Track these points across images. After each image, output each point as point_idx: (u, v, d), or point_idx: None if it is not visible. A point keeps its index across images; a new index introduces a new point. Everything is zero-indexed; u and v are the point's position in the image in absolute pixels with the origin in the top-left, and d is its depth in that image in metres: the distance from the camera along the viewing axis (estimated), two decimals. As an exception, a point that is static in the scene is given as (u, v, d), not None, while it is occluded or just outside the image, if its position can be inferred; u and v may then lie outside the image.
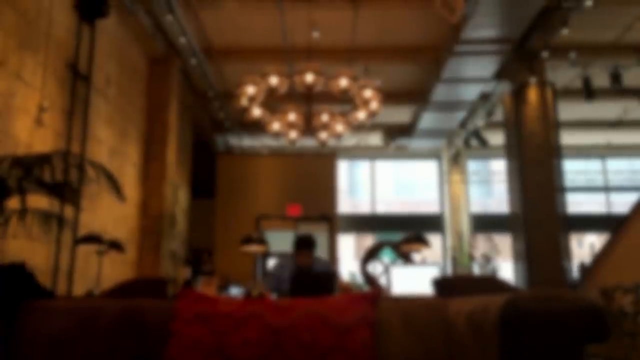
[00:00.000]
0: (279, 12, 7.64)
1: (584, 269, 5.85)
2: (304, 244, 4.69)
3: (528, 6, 6.96)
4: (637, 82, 9.70)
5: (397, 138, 12.33)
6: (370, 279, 3.91)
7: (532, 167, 8.40)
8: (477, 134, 10.96)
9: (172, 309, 1.64)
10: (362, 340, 1.51)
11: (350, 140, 11.56)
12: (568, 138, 10.64)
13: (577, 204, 13.13)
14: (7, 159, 3.45)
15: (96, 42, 6.18)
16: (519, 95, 8.70)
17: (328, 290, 4.00)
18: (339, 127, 7.13)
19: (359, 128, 7.53)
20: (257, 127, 8.09)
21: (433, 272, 4.76)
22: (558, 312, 1.33)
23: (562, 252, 8.00)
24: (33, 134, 4.99)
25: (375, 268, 4.56)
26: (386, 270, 4.70)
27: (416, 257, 5.33)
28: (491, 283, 2.11)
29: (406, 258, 4.34)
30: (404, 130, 12.12)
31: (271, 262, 8.96)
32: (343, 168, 14.09)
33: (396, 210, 14.51)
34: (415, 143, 12.52)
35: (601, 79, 9.05)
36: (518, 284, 8.21)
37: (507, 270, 11.00)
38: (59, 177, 3.57)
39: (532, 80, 8.58)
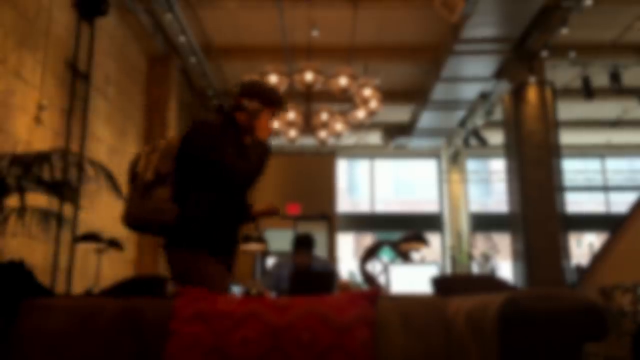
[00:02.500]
0: (279, 11, 7.63)
1: (580, 270, 5.86)
2: (303, 242, 4.70)
3: (527, 5, 6.96)
4: (637, 82, 9.70)
5: (396, 137, 12.33)
6: (369, 278, 3.91)
7: (532, 167, 8.40)
8: (476, 133, 10.97)
9: (171, 308, 1.64)
10: (361, 339, 1.51)
11: (349, 139, 11.55)
12: (567, 137, 10.65)
13: (577, 203, 13.13)
14: (6, 157, 3.46)
15: (95, 40, 6.17)
16: (518, 94, 8.70)
17: (327, 289, 4.01)
18: (339, 126, 7.14)
19: (358, 127, 7.54)
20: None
21: (432, 271, 4.77)
22: (557, 310, 1.33)
23: (561, 252, 8.00)
24: (32, 132, 4.98)
25: (375, 267, 4.57)
26: (385, 269, 4.70)
27: (415, 256, 5.33)
28: (490, 282, 2.11)
29: (405, 257, 4.35)
30: (404, 130, 12.12)
31: (270, 261, 8.95)
32: (342, 167, 14.08)
33: (395, 209, 14.51)
34: (415, 142, 12.51)
35: (601, 79, 9.05)
36: (517, 283, 8.22)
37: (506, 269, 11.01)
38: (58, 176, 3.57)
39: (532, 79, 8.58)
